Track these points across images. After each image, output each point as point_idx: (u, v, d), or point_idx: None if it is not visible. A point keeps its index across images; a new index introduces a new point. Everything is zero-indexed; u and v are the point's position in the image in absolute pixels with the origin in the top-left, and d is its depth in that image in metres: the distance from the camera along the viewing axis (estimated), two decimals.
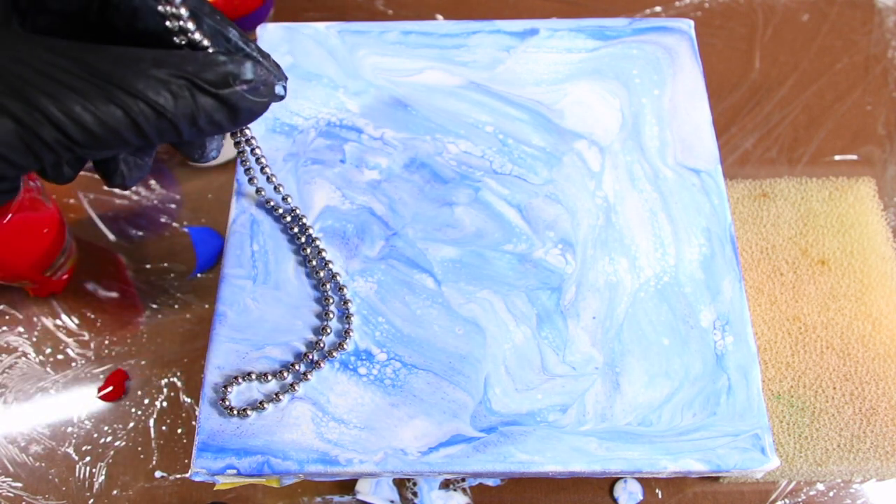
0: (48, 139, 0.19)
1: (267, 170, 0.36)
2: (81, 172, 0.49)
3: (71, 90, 0.19)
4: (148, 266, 0.46)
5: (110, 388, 0.42)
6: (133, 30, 0.24)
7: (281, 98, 0.25)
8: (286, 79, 0.25)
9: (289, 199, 0.37)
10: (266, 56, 0.25)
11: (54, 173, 0.25)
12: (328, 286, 0.35)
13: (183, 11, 0.23)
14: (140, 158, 0.27)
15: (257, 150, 0.35)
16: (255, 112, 0.24)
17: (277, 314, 0.35)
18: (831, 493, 0.39)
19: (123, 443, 0.41)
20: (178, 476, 0.40)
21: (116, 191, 0.49)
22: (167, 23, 0.23)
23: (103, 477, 0.40)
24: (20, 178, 0.21)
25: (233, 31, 0.25)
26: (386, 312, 0.35)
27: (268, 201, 0.38)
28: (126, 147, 0.22)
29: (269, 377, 0.33)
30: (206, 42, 0.23)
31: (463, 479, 0.39)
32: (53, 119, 0.19)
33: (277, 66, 0.26)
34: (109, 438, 0.41)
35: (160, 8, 0.22)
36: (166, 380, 0.43)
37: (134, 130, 0.21)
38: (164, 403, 0.42)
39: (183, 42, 0.23)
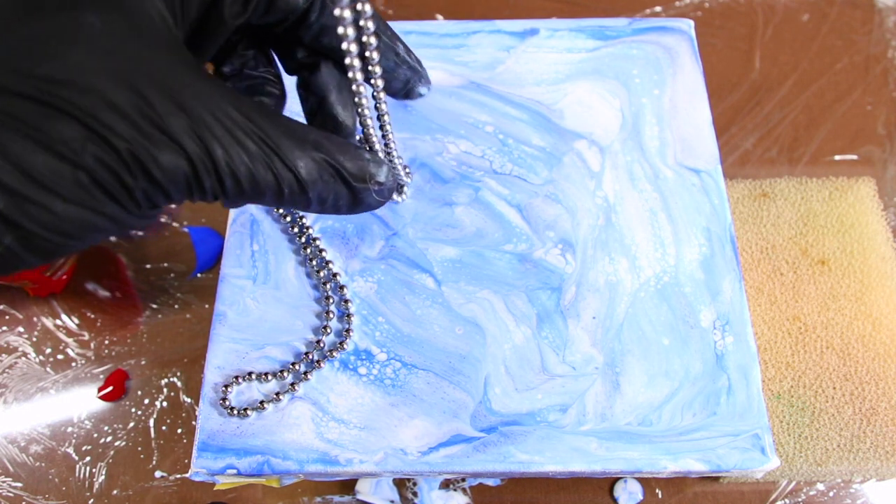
0: (206, 185, 0.21)
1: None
2: None
3: (242, 149, 0.21)
4: (148, 266, 0.46)
5: (110, 388, 0.42)
6: (318, 44, 0.27)
7: (423, 96, 0.31)
8: (430, 82, 0.31)
9: None
10: (422, 65, 0.30)
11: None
12: (328, 286, 0.35)
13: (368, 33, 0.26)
14: None
15: None
16: (372, 207, 0.26)
17: (277, 314, 0.35)
18: (831, 493, 0.39)
19: (123, 443, 0.41)
20: (178, 476, 0.40)
21: None
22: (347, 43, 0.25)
23: (103, 477, 0.40)
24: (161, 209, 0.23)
25: (401, 46, 0.29)
26: (386, 312, 0.35)
27: None
28: (260, 203, 0.24)
29: (269, 377, 0.33)
30: (375, 57, 0.26)
31: (463, 479, 0.39)
32: (219, 169, 0.21)
33: (426, 71, 0.30)
34: (109, 438, 0.41)
35: (340, 29, 0.24)
36: (166, 380, 0.43)
37: (276, 195, 0.23)
38: (164, 403, 0.42)
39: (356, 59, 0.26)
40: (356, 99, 0.27)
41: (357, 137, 0.29)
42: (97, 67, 0.19)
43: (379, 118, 0.29)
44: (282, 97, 0.29)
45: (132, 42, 0.20)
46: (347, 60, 0.25)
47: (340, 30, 0.24)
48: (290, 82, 0.30)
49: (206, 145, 0.21)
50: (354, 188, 0.25)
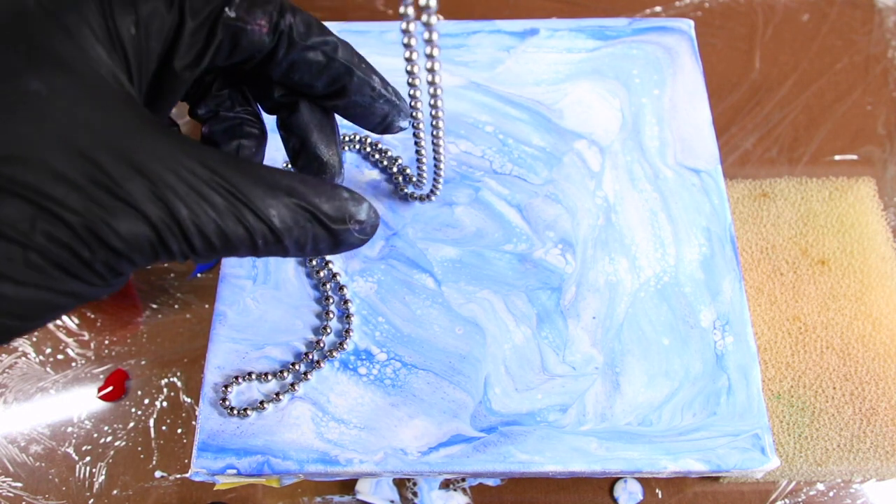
0: (173, 248, 0.20)
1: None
2: None
3: (209, 205, 0.20)
4: (148, 266, 0.46)
5: (110, 388, 0.42)
6: (290, 81, 0.26)
7: (403, 129, 0.30)
8: (409, 115, 0.30)
9: None
10: (401, 98, 0.29)
11: None
12: (328, 286, 0.35)
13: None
14: None
15: None
16: (355, 246, 0.25)
17: (277, 314, 0.35)
18: (831, 493, 0.39)
19: (123, 443, 0.41)
20: (178, 476, 0.40)
21: None
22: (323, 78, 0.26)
23: (103, 477, 0.40)
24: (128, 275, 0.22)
25: (376, 79, 0.28)
26: (386, 312, 0.35)
27: None
28: (235, 256, 0.23)
29: (269, 377, 0.33)
30: (350, 93, 0.27)
31: (463, 479, 0.39)
32: (186, 230, 0.20)
33: (405, 103, 0.29)
34: (109, 438, 0.41)
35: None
36: (166, 380, 0.43)
37: (250, 248, 0.22)
38: (164, 403, 0.42)
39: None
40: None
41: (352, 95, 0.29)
42: (43, 138, 0.18)
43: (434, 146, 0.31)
44: (262, 136, 0.28)
45: (81, 106, 0.19)
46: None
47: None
48: (271, 121, 0.29)
49: (168, 207, 0.19)
50: (333, 230, 0.23)
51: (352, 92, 0.27)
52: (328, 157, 0.28)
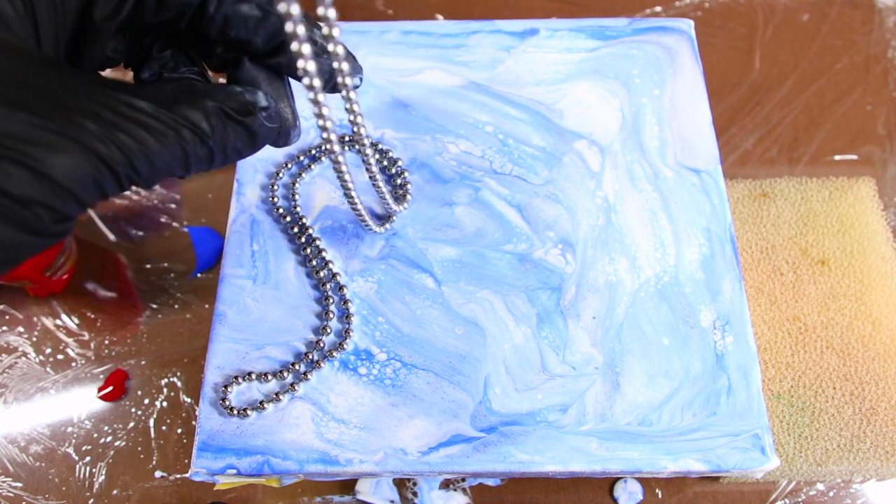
0: (120, 173, 0.21)
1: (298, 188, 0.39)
2: None
3: (143, 127, 0.21)
4: (148, 266, 0.46)
5: (110, 388, 0.42)
6: (225, 37, 0.26)
7: (355, 87, 0.28)
8: (360, 71, 0.29)
9: (296, 198, 0.38)
10: (346, 51, 0.27)
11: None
12: (328, 286, 0.35)
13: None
14: None
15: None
16: (269, 138, 0.26)
17: (277, 314, 0.35)
18: (831, 493, 0.39)
19: (123, 443, 0.41)
20: (178, 476, 0.40)
21: None
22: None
23: (103, 477, 0.40)
24: (75, 218, 0.22)
25: (318, 33, 0.26)
26: (386, 312, 0.35)
27: (271, 198, 0.38)
28: (168, 176, 0.23)
29: (269, 377, 0.33)
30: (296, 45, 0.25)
31: (463, 479, 0.39)
32: (126, 152, 0.21)
33: (354, 59, 0.28)
34: (109, 438, 0.41)
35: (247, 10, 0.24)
36: (166, 380, 0.43)
37: (183, 161, 0.23)
38: (164, 403, 0.42)
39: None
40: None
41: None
42: None
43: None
44: None
45: None
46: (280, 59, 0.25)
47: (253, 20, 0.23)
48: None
49: (105, 134, 0.20)
50: (244, 123, 0.24)
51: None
52: (281, 111, 0.28)
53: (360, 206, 0.34)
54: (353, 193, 0.32)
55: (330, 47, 0.26)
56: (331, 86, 0.27)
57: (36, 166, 0.19)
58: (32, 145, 0.19)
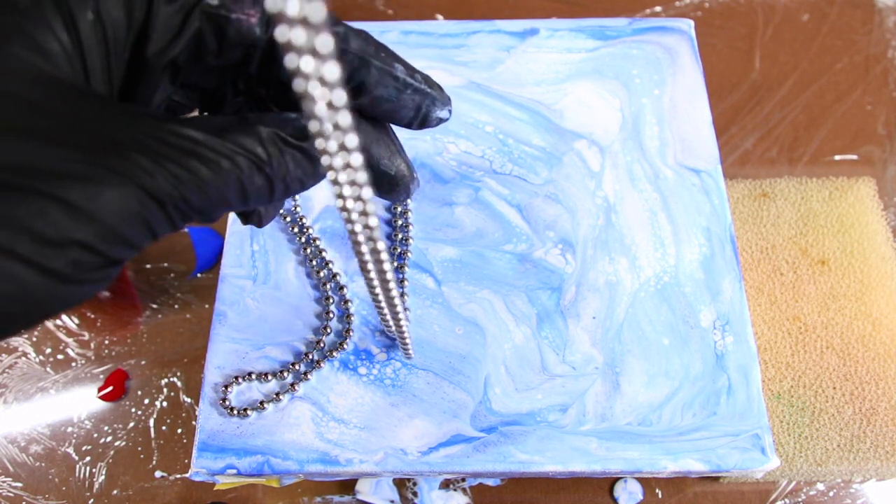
0: (169, 207, 0.19)
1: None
2: None
3: (196, 157, 0.19)
4: (148, 266, 0.46)
5: (110, 388, 0.42)
6: None
7: (445, 120, 0.26)
8: (450, 102, 0.26)
9: (296, 198, 0.38)
10: (433, 85, 0.26)
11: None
12: (328, 286, 0.35)
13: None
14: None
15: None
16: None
17: (277, 314, 0.35)
18: (831, 493, 0.39)
19: (123, 443, 0.41)
20: (178, 476, 0.40)
21: None
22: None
23: (103, 477, 0.40)
24: (124, 262, 0.20)
25: (399, 68, 0.25)
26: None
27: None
28: (226, 211, 0.22)
29: (269, 377, 0.33)
30: (372, 86, 0.24)
31: (463, 479, 0.39)
32: (175, 183, 0.19)
33: (441, 89, 0.26)
34: (109, 438, 0.41)
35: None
36: (166, 380, 0.43)
37: (240, 191, 0.21)
38: (164, 403, 0.42)
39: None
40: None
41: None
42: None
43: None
44: None
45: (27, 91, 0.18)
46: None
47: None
48: None
49: (155, 168, 0.19)
50: (302, 147, 0.22)
51: (373, 86, 0.24)
52: (396, 168, 0.26)
53: (407, 335, 0.31)
54: (404, 321, 0.29)
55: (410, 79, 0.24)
56: (420, 122, 0.26)
57: (74, 202, 0.17)
58: (69, 180, 0.17)
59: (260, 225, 0.27)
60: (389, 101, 0.25)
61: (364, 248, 0.23)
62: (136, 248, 0.19)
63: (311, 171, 0.23)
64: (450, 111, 0.26)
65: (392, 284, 0.25)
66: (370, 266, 0.24)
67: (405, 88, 0.25)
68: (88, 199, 0.18)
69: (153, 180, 0.19)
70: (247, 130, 0.21)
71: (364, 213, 0.21)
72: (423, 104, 0.26)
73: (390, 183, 0.27)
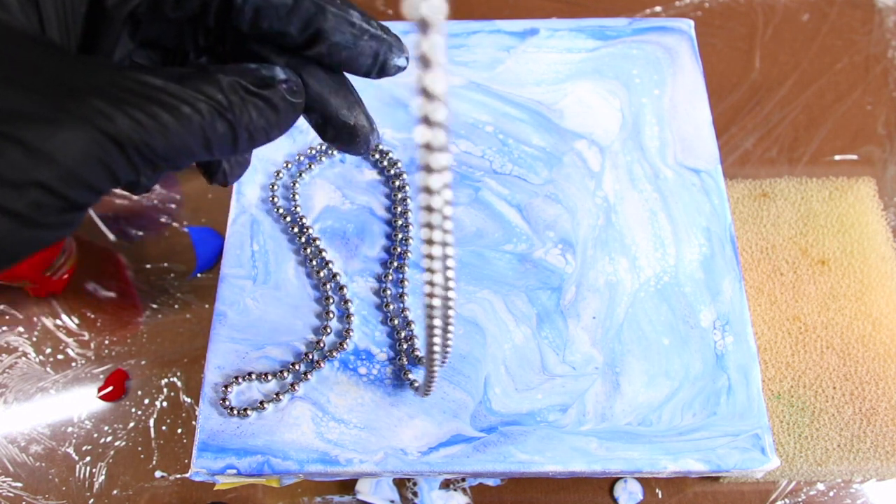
0: (130, 151, 0.19)
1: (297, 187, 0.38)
2: None
3: (158, 104, 0.20)
4: (148, 266, 0.46)
5: (110, 388, 0.42)
6: (257, 30, 0.24)
7: (403, 69, 0.26)
8: (407, 50, 0.26)
9: (296, 198, 0.38)
10: (390, 32, 0.26)
11: (129, 188, 0.25)
12: (328, 286, 0.35)
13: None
14: (240, 156, 0.27)
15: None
16: (295, 111, 0.24)
17: (277, 314, 0.35)
18: (831, 493, 0.39)
19: (123, 443, 0.41)
20: (178, 476, 0.40)
21: (116, 191, 0.49)
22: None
23: (103, 477, 0.40)
24: (88, 208, 0.21)
25: (355, 14, 0.25)
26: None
27: (271, 198, 0.38)
28: (190, 161, 0.22)
29: (269, 377, 0.33)
30: (329, 33, 0.24)
31: (463, 479, 0.39)
32: (135, 128, 0.19)
33: (398, 38, 0.26)
34: (109, 438, 0.41)
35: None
36: (166, 380, 0.43)
37: (202, 139, 0.21)
38: (164, 403, 0.42)
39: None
40: None
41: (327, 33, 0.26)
42: None
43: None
44: None
45: None
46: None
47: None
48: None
49: (117, 114, 0.19)
50: (264, 96, 0.23)
51: (329, 33, 0.24)
52: (354, 119, 0.27)
53: (435, 371, 0.29)
54: (450, 347, 0.27)
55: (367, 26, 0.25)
56: (378, 69, 0.26)
57: (32, 143, 0.18)
58: (27, 121, 0.18)
59: (226, 183, 0.27)
60: (347, 47, 0.25)
61: (436, 304, 0.23)
62: (99, 192, 0.20)
63: (276, 120, 0.23)
64: (407, 59, 0.27)
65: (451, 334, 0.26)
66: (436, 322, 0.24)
67: (362, 35, 0.25)
68: (45, 140, 0.18)
69: (112, 123, 0.19)
70: (207, 79, 0.21)
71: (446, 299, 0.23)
72: (380, 51, 0.26)
73: (350, 134, 0.27)
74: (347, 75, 0.27)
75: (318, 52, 0.25)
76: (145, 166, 0.20)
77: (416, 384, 0.33)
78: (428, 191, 0.18)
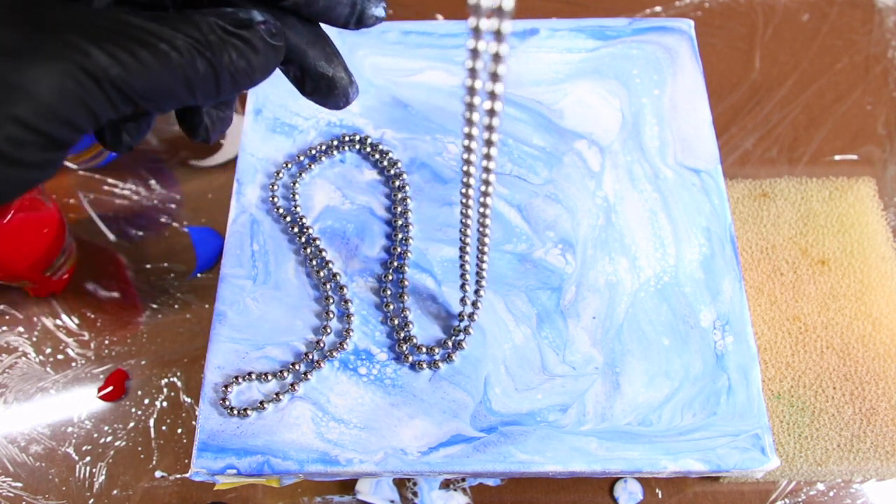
0: (109, 89, 0.19)
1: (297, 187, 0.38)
2: (80, 172, 0.49)
3: (127, 36, 0.19)
4: (148, 266, 0.46)
5: (110, 388, 0.42)
6: None
7: (381, 19, 0.26)
8: (383, 1, 0.26)
9: (296, 198, 0.38)
10: None
11: (113, 139, 0.24)
12: (328, 286, 0.35)
13: None
14: (222, 111, 0.27)
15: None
16: (276, 53, 0.24)
17: (277, 314, 0.35)
18: (831, 493, 0.39)
19: (123, 443, 0.41)
20: (178, 476, 0.40)
21: (116, 190, 0.49)
22: None
23: (103, 477, 0.40)
24: (69, 146, 0.20)
25: None
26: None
27: (271, 198, 0.38)
28: (174, 103, 0.22)
29: (269, 377, 0.33)
30: None
31: (463, 479, 0.39)
32: (114, 64, 0.19)
33: None
34: (109, 438, 0.41)
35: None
36: (166, 380, 0.43)
37: (183, 79, 0.21)
38: (164, 403, 0.42)
39: None
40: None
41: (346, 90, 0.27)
42: None
43: None
44: None
45: None
46: None
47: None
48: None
49: (79, 47, 0.19)
50: (243, 36, 0.22)
51: None
52: (333, 71, 0.26)
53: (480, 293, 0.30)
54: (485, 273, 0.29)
55: None
56: (356, 19, 0.26)
57: (5, 77, 0.17)
58: (3, 56, 0.18)
59: (209, 140, 0.27)
60: None
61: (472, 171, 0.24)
62: (79, 129, 0.19)
63: (257, 62, 0.23)
64: (384, 9, 0.26)
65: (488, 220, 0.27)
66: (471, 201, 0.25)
67: None
68: (20, 73, 0.18)
69: (87, 58, 0.19)
70: (184, 19, 0.21)
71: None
72: (357, 0, 0.26)
73: (328, 86, 0.26)
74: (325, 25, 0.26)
75: (295, 2, 0.25)
76: (124, 104, 0.20)
77: (423, 366, 0.33)
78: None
